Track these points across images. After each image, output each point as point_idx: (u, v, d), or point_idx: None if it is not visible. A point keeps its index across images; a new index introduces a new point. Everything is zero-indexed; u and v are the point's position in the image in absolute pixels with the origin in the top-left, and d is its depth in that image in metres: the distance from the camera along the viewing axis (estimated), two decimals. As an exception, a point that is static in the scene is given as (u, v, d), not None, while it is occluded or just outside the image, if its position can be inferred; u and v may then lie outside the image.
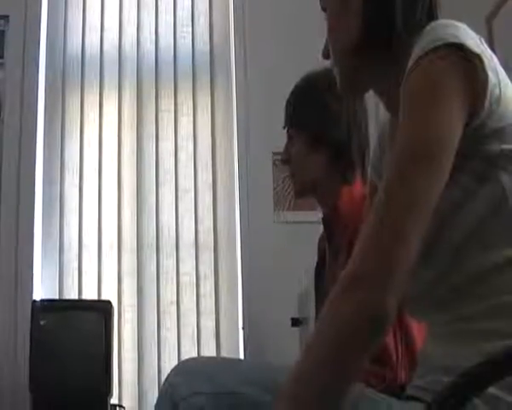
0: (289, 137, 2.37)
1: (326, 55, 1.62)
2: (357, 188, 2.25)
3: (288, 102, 2.37)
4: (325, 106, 2.28)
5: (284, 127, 2.37)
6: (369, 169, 1.83)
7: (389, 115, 1.65)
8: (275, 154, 4.21)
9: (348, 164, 2.30)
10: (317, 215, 2.30)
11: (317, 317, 2.35)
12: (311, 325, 3.12)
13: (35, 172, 4.48)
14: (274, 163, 4.36)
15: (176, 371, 1.80)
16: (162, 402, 1.78)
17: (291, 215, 4.27)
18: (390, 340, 2.05)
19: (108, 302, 3.93)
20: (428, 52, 1.34)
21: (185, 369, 1.80)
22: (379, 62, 1.53)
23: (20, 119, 4.53)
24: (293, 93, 2.37)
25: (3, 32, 4.69)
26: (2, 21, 4.70)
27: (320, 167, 2.27)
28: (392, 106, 1.56)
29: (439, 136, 1.31)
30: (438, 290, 1.42)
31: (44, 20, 4.72)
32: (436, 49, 1.34)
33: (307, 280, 3.03)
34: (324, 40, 1.59)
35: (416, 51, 1.37)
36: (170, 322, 4.33)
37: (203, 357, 2.10)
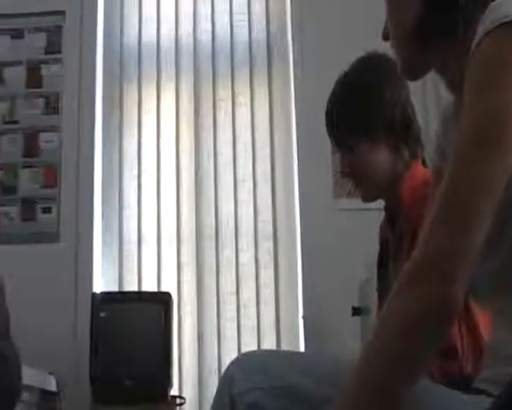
0: (341, 147, 2.25)
1: (386, 37, 1.54)
2: (420, 173, 2.15)
3: (333, 110, 2.25)
4: (378, 101, 2.17)
5: (333, 140, 2.25)
6: (430, 153, 1.74)
7: (452, 96, 1.55)
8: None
9: (408, 150, 2.20)
10: (378, 202, 2.20)
11: (379, 307, 2.28)
12: (373, 315, 3.05)
13: (94, 166, 4.46)
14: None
15: (234, 364, 1.76)
16: (220, 396, 1.75)
17: (351, 202, 4.16)
18: (455, 331, 1.97)
19: (168, 294, 3.89)
20: (499, 26, 1.24)
21: (243, 363, 1.75)
22: (441, 42, 1.44)
23: (78, 113, 4.52)
24: (337, 99, 2.25)
25: (60, 27, 4.69)
26: (59, 17, 4.68)
27: (385, 165, 2.17)
28: (455, 86, 1.46)
29: (507, 117, 1.21)
30: (505, 278, 1.33)
31: (101, 13, 4.70)
32: (508, 24, 1.23)
33: (368, 268, 2.95)
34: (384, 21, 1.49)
35: (484, 26, 1.26)
36: (230, 313, 4.27)
37: (262, 350, 2.04)
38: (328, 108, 2.22)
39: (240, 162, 4.49)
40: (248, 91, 4.58)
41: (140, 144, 4.54)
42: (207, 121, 4.55)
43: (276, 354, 1.87)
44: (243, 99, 4.58)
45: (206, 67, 4.62)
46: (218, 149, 4.51)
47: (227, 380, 1.72)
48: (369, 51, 2.20)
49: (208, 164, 4.50)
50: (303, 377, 1.58)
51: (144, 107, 4.59)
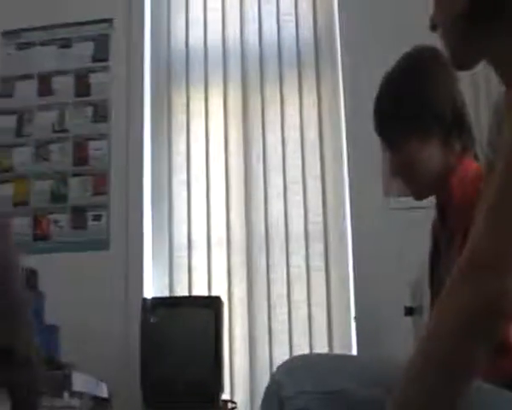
0: (390, 145, 2.18)
1: (434, 27, 1.47)
2: (471, 167, 2.06)
3: (381, 108, 2.17)
4: (428, 96, 2.09)
5: (382, 138, 2.17)
6: (482, 146, 1.67)
7: (504, 88, 1.48)
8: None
9: (460, 144, 2.12)
10: (430, 199, 2.12)
11: (432, 306, 2.21)
12: (426, 315, 2.97)
13: (143, 172, 4.45)
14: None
15: (282, 369, 1.73)
16: (268, 401, 1.71)
17: (402, 201, 4.07)
18: (508, 327, 1.88)
19: (218, 298, 3.86)
20: None
21: (291, 367, 1.73)
22: (492, 30, 1.36)
23: (126, 120, 4.51)
24: (385, 96, 2.17)
25: (108, 35, 4.69)
26: (106, 25, 4.69)
27: (436, 161, 2.08)
28: (507, 77, 1.39)
29: None
30: None
31: (148, 19, 4.69)
32: None
33: (421, 267, 2.87)
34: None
35: None
36: (281, 315, 4.20)
37: (309, 354, 2.01)
38: (376, 105, 2.15)
39: (289, 164, 4.43)
40: (296, 91, 4.52)
41: (189, 149, 4.51)
42: (256, 123, 4.51)
43: (324, 358, 1.83)
44: (291, 99, 4.51)
45: (253, 69, 4.58)
46: (267, 151, 4.47)
47: (275, 384, 1.69)
48: (418, 45, 2.13)
49: (257, 166, 4.45)
50: (351, 381, 1.55)
51: (192, 111, 4.56)
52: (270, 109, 4.51)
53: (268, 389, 1.72)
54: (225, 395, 3.80)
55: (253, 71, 4.57)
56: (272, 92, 4.53)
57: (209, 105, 4.56)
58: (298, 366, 1.68)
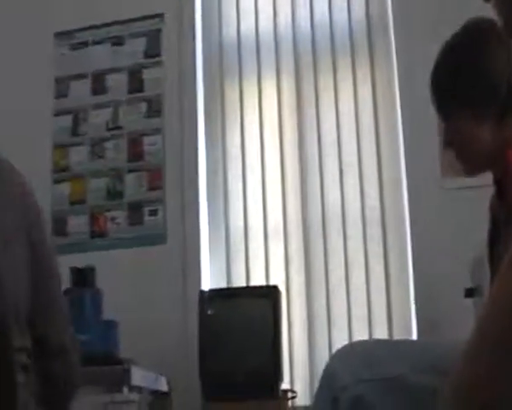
0: (446, 116, 2.10)
1: (487, -1, 1.39)
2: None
3: (437, 82, 2.10)
4: (483, 70, 2.01)
5: (437, 109, 2.10)
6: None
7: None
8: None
9: None
10: (488, 178, 2.04)
11: (491, 284, 2.12)
12: (486, 295, 2.88)
13: (198, 165, 4.44)
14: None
15: (335, 358, 1.68)
16: (322, 391, 1.66)
17: (460, 181, 3.96)
18: None
19: (275, 287, 3.82)
20: None
21: (345, 356, 1.68)
22: None
23: (180, 114, 4.51)
24: (440, 70, 2.10)
25: (159, 30, 4.67)
26: (157, 20, 4.69)
27: (491, 136, 2.01)
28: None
29: None
30: None
31: (199, 12, 4.67)
32: None
33: (480, 246, 2.78)
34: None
35: None
36: (339, 302, 4.15)
37: (365, 341, 1.94)
38: (432, 76, 2.08)
39: (344, 149, 4.36)
40: (350, 77, 4.44)
41: (243, 139, 4.49)
42: (310, 110, 4.45)
43: (379, 344, 1.77)
44: (346, 85, 4.43)
45: (306, 56, 4.51)
46: (322, 137, 4.40)
47: (328, 374, 1.65)
48: (474, 17, 2.05)
49: (312, 153, 4.39)
50: (408, 367, 1.53)
51: (246, 101, 4.53)
52: (323, 97, 4.45)
53: (321, 379, 1.67)
54: (285, 385, 3.76)
55: (306, 58, 4.50)
56: (326, 79, 4.46)
57: (262, 95, 4.52)
58: (353, 354, 1.67)
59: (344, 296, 4.15)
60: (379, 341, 2.18)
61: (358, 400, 1.58)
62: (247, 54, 4.57)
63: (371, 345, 1.75)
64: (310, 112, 4.44)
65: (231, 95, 4.55)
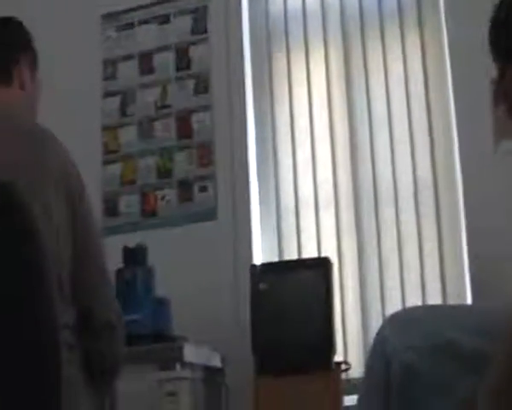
0: (501, 69, 2.03)
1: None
2: None
3: (498, 29, 2.02)
4: None
5: (495, 59, 2.02)
6: None
7: None
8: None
9: None
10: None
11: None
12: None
13: (247, 140, 4.41)
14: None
15: (387, 323, 1.67)
16: (373, 357, 1.65)
17: (512, 144, 3.87)
18: None
19: (327, 259, 3.78)
20: None
21: (397, 321, 1.65)
22: None
23: (228, 90, 4.49)
24: (499, 19, 2.02)
25: (206, 6, 4.65)
26: (204, -4, 4.65)
27: None
28: None
29: None
30: None
31: (244, -14, 4.62)
32: None
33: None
34: None
35: None
36: (392, 272, 4.09)
37: (417, 307, 1.91)
38: (493, 14, 2.00)
39: (395, 119, 4.28)
40: (399, 45, 4.35)
41: (292, 113, 4.44)
42: (359, 80, 4.38)
43: (430, 310, 1.74)
44: (395, 53, 4.35)
45: (354, 25, 4.44)
46: (372, 108, 4.33)
47: (380, 339, 1.63)
48: None
49: (362, 124, 4.33)
50: (460, 332, 1.49)
51: (294, 74, 4.48)
52: (372, 66, 4.37)
53: (374, 343, 1.66)
54: (338, 357, 3.72)
55: (354, 27, 4.42)
56: (374, 48, 4.38)
57: (310, 66, 4.46)
58: (405, 320, 1.61)
59: (396, 266, 4.09)
60: (432, 306, 2.15)
61: (409, 366, 1.56)
62: (293, 25, 4.52)
63: (423, 310, 1.72)
64: (359, 82, 4.37)
65: (279, 67, 4.51)
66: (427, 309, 1.78)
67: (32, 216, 1.77)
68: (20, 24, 2.57)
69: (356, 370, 3.78)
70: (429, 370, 1.53)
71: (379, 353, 1.62)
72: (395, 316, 1.68)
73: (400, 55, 4.33)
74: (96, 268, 2.33)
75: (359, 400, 1.71)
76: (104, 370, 2.36)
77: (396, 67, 4.33)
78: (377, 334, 1.64)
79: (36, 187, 2.12)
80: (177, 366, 3.35)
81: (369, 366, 1.66)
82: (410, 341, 1.54)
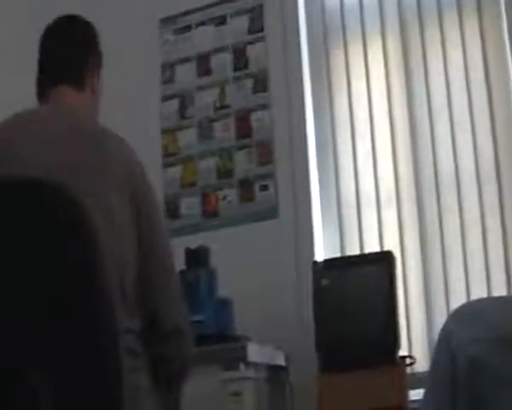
0: None
1: None
2: None
3: None
4: None
5: None
6: None
7: None
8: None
9: None
10: None
11: None
12: None
13: (307, 136, 4.39)
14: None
15: (452, 317, 1.65)
16: (439, 352, 1.63)
17: None
18: None
19: (389, 253, 3.74)
20: None
21: (461, 314, 1.66)
22: None
23: (286, 87, 4.48)
24: None
25: (262, 5, 4.64)
26: (260, -4, 4.64)
27: None
28: None
29: None
30: None
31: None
32: None
33: None
34: None
35: None
36: (456, 263, 4.01)
37: (483, 299, 1.88)
38: None
39: (455, 107, 4.20)
40: (458, 32, 4.27)
41: (351, 107, 4.40)
42: (418, 70, 4.31)
43: (495, 302, 1.72)
44: (454, 41, 4.27)
45: (411, 14, 4.37)
46: (432, 96, 4.26)
47: (445, 334, 1.63)
48: None
49: (422, 113, 4.26)
50: None
51: (352, 66, 4.44)
52: (431, 54, 4.29)
53: (440, 338, 1.65)
54: (403, 351, 3.67)
55: (411, 16, 4.36)
56: (432, 36, 4.30)
57: (368, 59, 4.41)
58: (470, 313, 1.62)
59: (460, 258, 4.01)
60: (496, 298, 2.11)
61: (474, 359, 1.54)
62: (350, 18, 4.47)
63: (488, 302, 1.70)
64: (418, 72, 4.30)
65: (337, 62, 4.47)
66: (491, 301, 1.75)
67: (90, 219, 1.77)
68: (87, 23, 2.58)
69: (420, 364, 3.73)
70: (495, 362, 1.51)
71: (444, 347, 1.60)
72: (459, 310, 1.66)
73: (459, 43, 4.25)
74: (162, 268, 2.31)
75: (425, 394, 1.69)
76: (172, 375, 2.36)
77: (455, 55, 4.25)
78: (442, 329, 1.62)
79: (97, 190, 2.12)
80: (241, 366, 3.34)
81: (435, 361, 1.64)
82: (476, 333, 1.53)
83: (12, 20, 4.85)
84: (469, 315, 1.59)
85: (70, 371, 1.70)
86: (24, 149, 2.17)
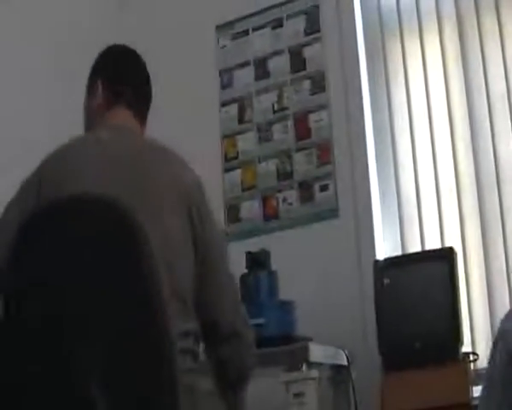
0: None
1: None
2: None
3: None
4: None
5: None
6: None
7: None
8: None
9: None
10: None
11: None
12: None
13: (365, 134, 4.37)
14: None
15: (506, 317, 1.61)
16: (495, 351, 1.60)
17: None
18: None
19: (450, 248, 3.69)
20: None
21: None
22: None
23: (344, 86, 4.46)
24: None
25: (317, 6, 4.63)
26: (316, -4, 4.63)
27: None
28: None
29: None
30: None
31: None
32: None
33: None
34: None
35: None
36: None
37: None
38: None
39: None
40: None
41: (409, 102, 4.36)
42: (475, 60, 4.23)
43: None
44: (511, 28, 4.17)
45: (467, 2, 4.28)
46: (490, 86, 4.17)
47: (501, 332, 1.59)
48: None
49: (480, 104, 4.17)
50: None
51: (409, 61, 4.40)
52: (488, 42, 4.20)
53: (497, 336, 1.62)
54: (466, 348, 3.63)
55: (467, 5, 4.27)
56: (489, 23, 4.21)
57: (425, 49, 4.35)
58: None
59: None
60: None
61: None
62: (406, 16, 4.42)
63: None
64: (475, 61, 4.22)
65: (394, 59, 4.43)
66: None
67: (142, 232, 1.81)
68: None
69: (484, 360, 3.66)
70: None
71: (501, 346, 1.58)
72: None
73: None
74: (219, 275, 2.35)
75: (482, 392, 1.67)
76: (232, 378, 2.38)
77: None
78: (500, 326, 1.60)
79: (151, 210, 2.17)
80: (304, 367, 3.34)
81: (492, 360, 1.62)
82: None
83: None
84: None
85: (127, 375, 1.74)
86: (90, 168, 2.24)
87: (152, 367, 1.78)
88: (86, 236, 1.72)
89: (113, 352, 1.69)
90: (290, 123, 4.55)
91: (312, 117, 4.50)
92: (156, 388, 1.77)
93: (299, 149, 4.50)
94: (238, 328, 2.34)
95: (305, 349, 3.38)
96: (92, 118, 2.48)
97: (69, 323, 1.68)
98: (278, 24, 4.71)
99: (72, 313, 1.69)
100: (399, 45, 4.43)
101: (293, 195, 4.46)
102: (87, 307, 1.67)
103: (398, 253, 4.14)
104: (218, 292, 2.35)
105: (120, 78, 2.51)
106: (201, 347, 2.32)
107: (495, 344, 1.62)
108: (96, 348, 1.65)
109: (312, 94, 4.53)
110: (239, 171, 4.64)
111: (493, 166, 4.10)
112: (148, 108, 2.53)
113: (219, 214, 4.18)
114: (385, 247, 4.22)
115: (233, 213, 4.57)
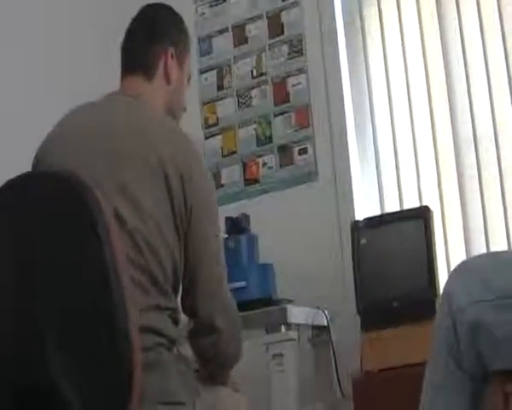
0: None
1: None
2: None
3: None
4: None
5: None
6: None
7: None
8: None
9: None
10: None
11: None
12: None
13: (343, 96, 4.32)
14: None
15: (452, 277, 1.57)
16: (441, 315, 1.57)
17: None
18: None
19: (426, 207, 3.64)
20: None
21: (461, 274, 1.56)
22: None
23: (321, 49, 4.41)
24: None
25: (294, -31, 4.55)
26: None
27: None
28: None
29: None
30: None
31: None
32: None
33: None
34: None
35: None
36: (495, 213, 3.90)
37: (481, 256, 1.78)
38: None
39: (490, 55, 4.03)
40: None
41: (386, 65, 4.30)
42: (452, 23, 4.15)
43: (497, 260, 1.62)
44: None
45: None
46: (466, 44, 4.10)
47: (445, 296, 1.55)
48: None
49: (457, 62, 4.12)
50: None
51: (386, 25, 4.33)
52: (465, 7, 4.12)
53: (441, 300, 1.58)
54: (442, 304, 3.60)
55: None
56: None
57: (402, 17, 4.29)
58: (469, 272, 1.53)
59: (500, 208, 3.89)
60: (496, 254, 2.00)
61: (475, 323, 1.46)
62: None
63: (488, 261, 1.60)
64: (451, 23, 4.15)
65: (371, 21, 4.37)
66: (493, 257, 1.67)
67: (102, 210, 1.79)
68: (169, 9, 2.60)
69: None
70: (499, 325, 1.44)
71: (445, 311, 1.54)
72: (459, 268, 1.59)
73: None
74: (202, 260, 2.21)
75: (429, 359, 1.63)
76: (212, 372, 2.28)
77: (491, 8, 4.04)
78: (444, 288, 1.55)
79: (118, 176, 2.12)
80: (283, 328, 3.33)
81: (437, 325, 1.58)
82: (475, 295, 1.45)
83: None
84: (468, 275, 1.51)
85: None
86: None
87: (99, 332, 1.77)
88: (34, 210, 1.73)
89: (64, 315, 1.69)
90: (269, 88, 4.49)
91: (291, 81, 4.45)
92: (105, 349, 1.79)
93: (277, 114, 4.45)
94: (216, 322, 2.19)
95: (284, 311, 3.36)
96: None
97: (21, 291, 1.69)
98: (256, -10, 4.64)
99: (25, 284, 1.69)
100: (376, 8, 4.36)
101: (272, 159, 4.42)
102: (38, 277, 1.67)
103: (378, 213, 4.11)
104: (199, 281, 2.19)
105: None
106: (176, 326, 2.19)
107: (440, 309, 1.57)
108: (50, 310, 1.66)
109: (291, 58, 4.47)
110: (219, 137, 4.60)
111: (470, 125, 4.05)
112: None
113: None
114: (364, 208, 4.18)
115: (214, 179, 4.52)
